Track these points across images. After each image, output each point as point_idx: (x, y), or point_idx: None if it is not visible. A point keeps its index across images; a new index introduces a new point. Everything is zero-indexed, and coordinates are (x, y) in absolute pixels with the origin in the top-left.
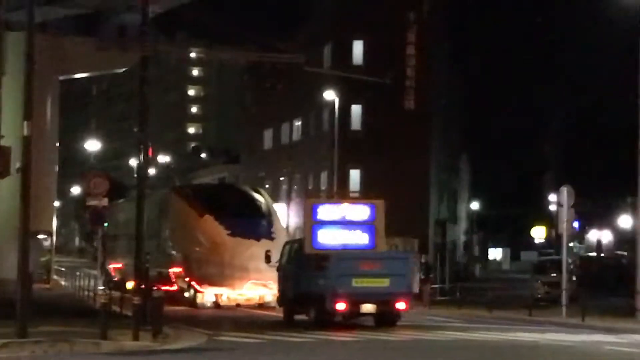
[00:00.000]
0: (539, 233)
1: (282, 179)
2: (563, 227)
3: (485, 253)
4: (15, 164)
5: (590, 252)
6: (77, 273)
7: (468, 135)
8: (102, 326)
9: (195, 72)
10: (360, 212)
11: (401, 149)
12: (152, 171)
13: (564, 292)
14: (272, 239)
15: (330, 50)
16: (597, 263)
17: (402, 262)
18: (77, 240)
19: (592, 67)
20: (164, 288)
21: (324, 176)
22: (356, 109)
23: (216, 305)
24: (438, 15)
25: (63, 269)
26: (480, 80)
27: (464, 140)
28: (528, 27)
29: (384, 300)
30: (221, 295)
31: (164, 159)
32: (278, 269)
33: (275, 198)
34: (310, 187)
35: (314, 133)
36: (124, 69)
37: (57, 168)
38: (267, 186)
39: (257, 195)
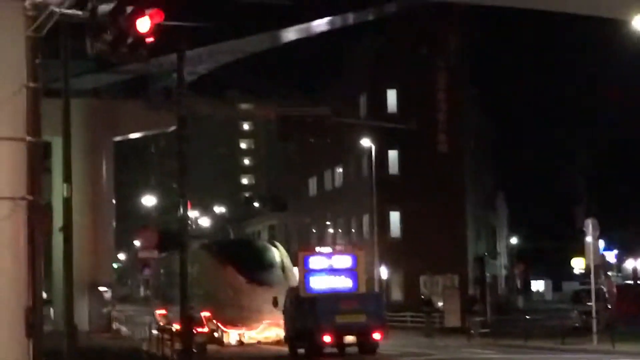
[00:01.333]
0: (578, 263)
1: (327, 223)
2: (590, 258)
3: (527, 285)
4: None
5: (627, 280)
6: (132, 321)
7: (502, 173)
8: None
9: (246, 126)
10: (345, 261)
11: (437, 190)
12: (207, 222)
13: (594, 320)
14: (283, 285)
15: (366, 100)
16: (633, 291)
17: (375, 300)
18: (142, 290)
19: (621, 102)
20: (198, 330)
21: (365, 219)
22: (393, 154)
23: (240, 343)
24: (466, 60)
25: (124, 317)
26: (509, 119)
27: (499, 178)
28: (555, 65)
29: (362, 332)
30: (243, 334)
31: (219, 209)
32: (283, 311)
33: (321, 242)
34: (353, 231)
35: (354, 179)
36: (173, 128)
37: (114, 224)
38: (313, 231)
39: (273, 249)
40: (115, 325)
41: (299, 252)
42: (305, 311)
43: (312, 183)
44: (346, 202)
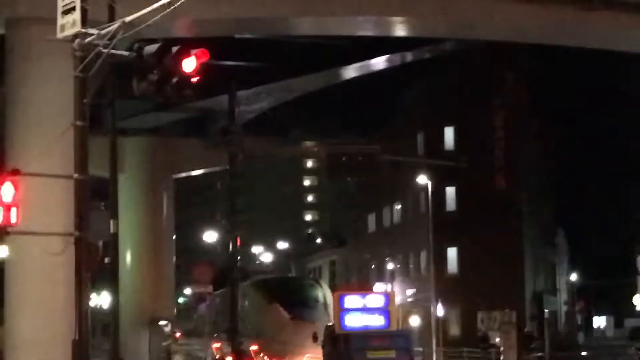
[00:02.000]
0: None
1: (386, 259)
2: None
3: (589, 322)
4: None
5: None
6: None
7: (563, 209)
8: None
9: (309, 163)
10: (377, 300)
11: (494, 226)
12: (269, 257)
13: None
14: (324, 322)
15: (423, 137)
16: None
17: (404, 338)
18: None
19: None
20: None
21: (423, 255)
22: (450, 191)
23: None
24: (525, 97)
25: (184, 350)
26: (570, 156)
27: (559, 214)
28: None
29: None
30: None
31: (282, 245)
32: (322, 346)
33: (380, 278)
34: (411, 266)
35: (412, 215)
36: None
37: (174, 258)
38: (372, 267)
39: (317, 286)
40: (175, 359)
41: (335, 292)
42: (340, 347)
43: (371, 219)
44: (404, 238)
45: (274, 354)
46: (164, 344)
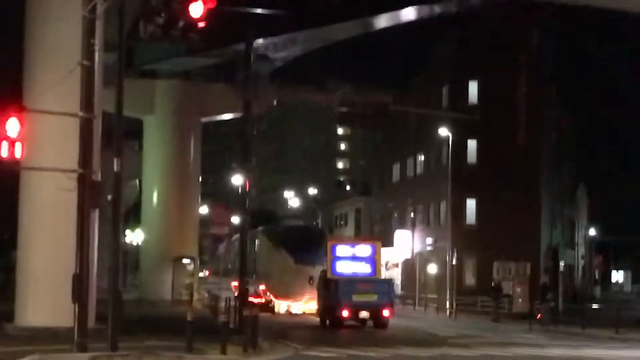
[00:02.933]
0: None
1: (409, 208)
2: None
3: (607, 276)
4: (107, 196)
5: None
6: (207, 293)
7: (584, 165)
8: (188, 340)
9: (344, 112)
10: (365, 250)
11: (514, 181)
12: (297, 202)
13: None
14: (324, 267)
15: (448, 91)
16: None
17: (386, 284)
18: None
19: None
20: (257, 300)
21: (443, 206)
22: (472, 144)
23: (289, 312)
24: (548, 55)
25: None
26: (591, 113)
27: (580, 170)
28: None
29: (374, 310)
30: (291, 305)
31: (312, 191)
32: (317, 289)
33: (402, 226)
34: (431, 216)
35: (434, 166)
36: (259, 112)
37: (199, 199)
38: (395, 216)
39: (320, 235)
40: (197, 295)
41: (328, 241)
42: (331, 290)
43: (396, 169)
44: (426, 188)
45: (278, 293)
46: (187, 281)
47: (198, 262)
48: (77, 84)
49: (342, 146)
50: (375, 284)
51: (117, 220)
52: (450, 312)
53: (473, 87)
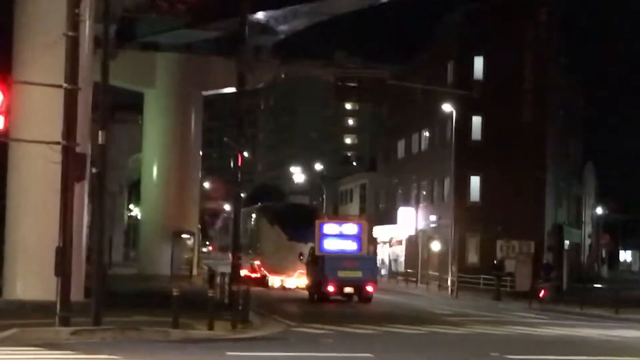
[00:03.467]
0: None
1: (414, 185)
2: None
3: (614, 256)
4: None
5: None
6: (206, 268)
7: (592, 143)
8: (174, 315)
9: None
10: (351, 228)
11: (519, 158)
12: (302, 178)
13: None
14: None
15: (453, 66)
16: None
17: (370, 261)
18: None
19: None
20: (253, 275)
21: (447, 182)
22: (476, 120)
23: (282, 287)
24: (556, 30)
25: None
26: (602, 91)
27: (588, 148)
28: None
29: (358, 285)
30: (284, 280)
31: (319, 167)
32: (306, 264)
33: (407, 202)
34: (434, 193)
35: (439, 143)
36: (260, 85)
37: (200, 175)
38: (399, 192)
39: (313, 213)
40: (197, 271)
41: (316, 220)
42: (318, 266)
43: (401, 145)
44: (430, 165)
45: (272, 269)
46: (186, 256)
47: (199, 237)
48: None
49: (350, 122)
50: (360, 261)
51: (102, 194)
52: (451, 290)
53: (479, 63)
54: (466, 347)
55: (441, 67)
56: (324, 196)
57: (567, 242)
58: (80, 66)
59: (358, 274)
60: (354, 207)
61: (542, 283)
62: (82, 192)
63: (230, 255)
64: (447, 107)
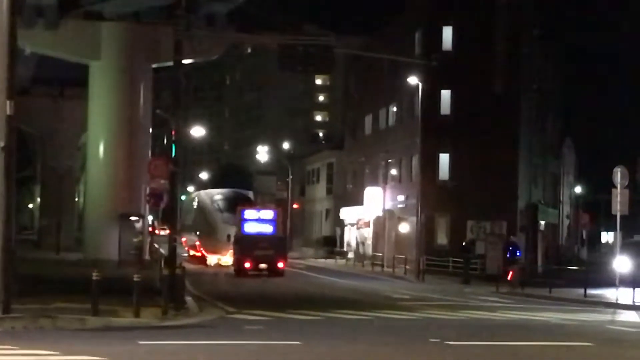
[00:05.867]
0: None
1: (382, 163)
2: (617, 208)
3: (596, 237)
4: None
5: None
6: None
7: (570, 118)
8: (93, 302)
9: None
10: (268, 214)
11: (491, 134)
12: (267, 157)
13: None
14: None
15: (421, 36)
16: None
17: (281, 241)
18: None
19: None
20: (193, 254)
21: (415, 160)
22: (445, 94)
23: (219, 265)
24: None
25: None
26: (576, 61)
27: (566, 124)
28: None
29: (271, 262)
30: (220, 259)
31: (287, 145)
32: (233, 245)
33: (374, 182)
34: (402, 171)
35: (407, 118)
36: (215, 57)
37: (150, 154)
38: (367, 171)
39: (247, 198)
40: (150, 256)
41: (237, 206)
42: (239, 246)
43: (368, 121)
44: (398, 142)
45: (209, 249)
46: (135, 239)
47: (159, 220)
48: None
49: (321, 98)
50: (272, 241)
51: (9, 170)
52: (418, 273)
53: (447, 33)
54: (407, 333)
55: (409, 38)
56: (290, 176)
57: (542, 223)
58: None
59: (270, 252)
60: (320, 188)
61: (510, 265)
62: None
63: (181, 236)
64: (413, 80)
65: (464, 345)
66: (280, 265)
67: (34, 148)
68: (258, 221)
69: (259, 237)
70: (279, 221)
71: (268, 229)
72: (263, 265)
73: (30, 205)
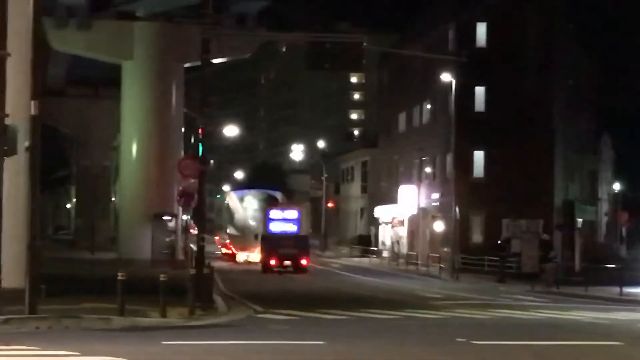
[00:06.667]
0: None
1: (416, 161)
2: None
3: (636, 234)
4: (24, 142)
5: None
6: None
7: (607, 114)
8: (120, 302)
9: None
10: (292, 213)
11: (525, 130)
12: (300, 156)
13: None
14: None
15: (454, 32)
16: None
17: (304, 240)
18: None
19: None
20: (225, 251)
21: (449, 158)
22: (479, 91)
23: (247, 261)
24: None
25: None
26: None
27: (603, 119)
28: None
29: (294, 259)
30: (249, 256)
31: (321, 143)
32: (260, 243)
33: (408, 180)
34: (436, 169)
35: (441, 115)
36: (246, 56)
37: (182, 153)
38: (401, 169)
39: (275, 199)
40: (181, 256)
41: (265, 207)
42: (265, 244)
43: (402, 119)
44: (432, 140)
45: (238, 246)
46: (167, 239)
47: (186, 219)
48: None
49: (356, 96)
50: (296, 239)
51: (34, 170)
52: (452, 272)
53: (481, 29)
54: (434, 332)
55: (442, 35)
56: (325, 175)
57: (579, 220)
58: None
59: (294, 250)
60: (355, 186)
61: (544, 263)
62: (19, 168)
63: (214, 235)
64: (446, 77)
65: (490, 344)
66: (303, 262)
67: (69, 148)
68: (283, 221)
69: (283, 236)
70: (302, 220)
71: (292, 228)
72: (287, 262)
73: (68, 206)
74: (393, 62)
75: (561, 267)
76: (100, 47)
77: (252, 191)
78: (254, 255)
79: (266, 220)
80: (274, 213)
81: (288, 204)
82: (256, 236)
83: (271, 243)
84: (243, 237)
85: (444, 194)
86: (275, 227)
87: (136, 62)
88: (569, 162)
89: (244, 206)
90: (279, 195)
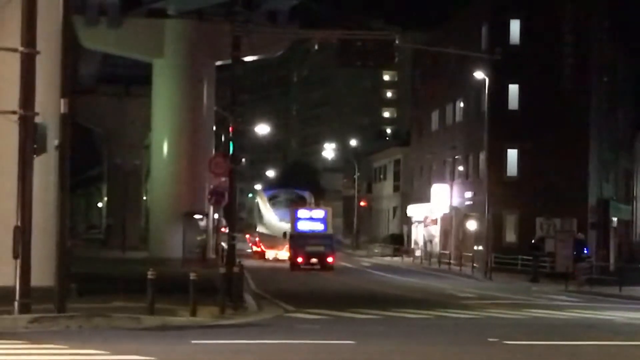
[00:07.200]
0: None
1: (449, 159)
2: None
3: None
4: (54, 141)
5: None
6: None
7: None
8: (150, 301)
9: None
10: (319, 213)
11: (560, 129)
12: (332, 154)
13: None
14: None
15: (488, 30)
16: None
17: (330, 239)
18: None
19: None
20: (255, 249)
21: (482, 156)
22: (513, 88)
23: (276, 259)
24: None
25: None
26: None
27: (639, 117)
28: None
29: (321, 257)
30: (277, 254)
31: (354, 142)
32: (288, 240)
33: (441, 178)
34: (469, 168)
35: (474, 113)
36: (277, 54)
37: (213, 152)
38: (433, 168)
39: (303, 199)
40: (213, 254)
41: (290, 207)
42: (293, 242)
43: (435, 117)
44: (465, 138)
45: (267, 244)
46: (199, 238)
47: (217, 218)
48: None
49: (389, 94)
50: (323, 238)
51: (64, 169)
52: (485, 271)
53: (515, 26)
54: (466, 332)
55: (475, 32)
56: (357, 173)
57: (614, 219)
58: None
59: (321, 249)
60: (387, 185)
61: (578, 262)
62: (49, 167)
63: (245, 233)
64: (479, 75)
65: (521, 344)
66: (329, 260)
67: (101, 147)
68: (310, 220)
69: (310, 235)
70: (328, 219)
71: (319, 227)
72: (314, 260)
73: (100, 204)
74: (426, 60)
75: (595, 267)
76: (131, 45)
77: (281, 191)
78: (283, 253)
79: (294, 219)
80: (302, 212)
81: (315, 204)
82: (285, 234)
83: (299, 241)
84: (272, 236)
85: (477, 193)
86: (302, 226)
87: (167, 60)
88: (604, 161)
89: (273, 205)
90: (307, 194)
